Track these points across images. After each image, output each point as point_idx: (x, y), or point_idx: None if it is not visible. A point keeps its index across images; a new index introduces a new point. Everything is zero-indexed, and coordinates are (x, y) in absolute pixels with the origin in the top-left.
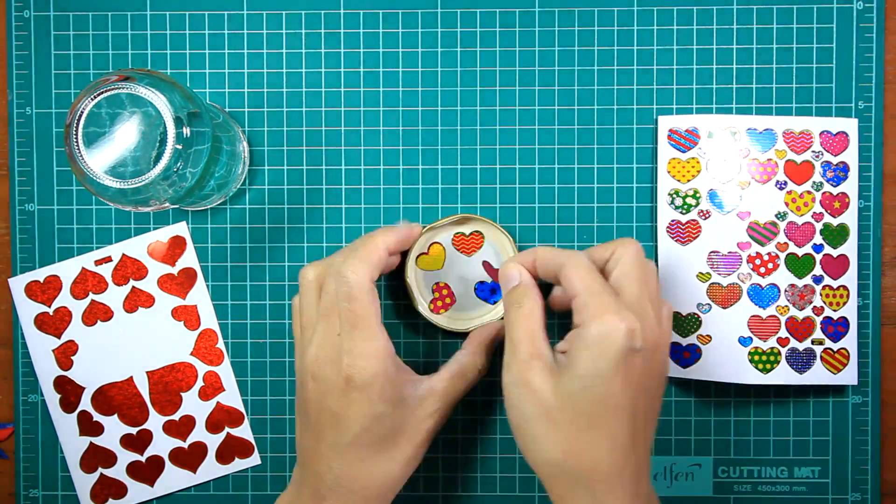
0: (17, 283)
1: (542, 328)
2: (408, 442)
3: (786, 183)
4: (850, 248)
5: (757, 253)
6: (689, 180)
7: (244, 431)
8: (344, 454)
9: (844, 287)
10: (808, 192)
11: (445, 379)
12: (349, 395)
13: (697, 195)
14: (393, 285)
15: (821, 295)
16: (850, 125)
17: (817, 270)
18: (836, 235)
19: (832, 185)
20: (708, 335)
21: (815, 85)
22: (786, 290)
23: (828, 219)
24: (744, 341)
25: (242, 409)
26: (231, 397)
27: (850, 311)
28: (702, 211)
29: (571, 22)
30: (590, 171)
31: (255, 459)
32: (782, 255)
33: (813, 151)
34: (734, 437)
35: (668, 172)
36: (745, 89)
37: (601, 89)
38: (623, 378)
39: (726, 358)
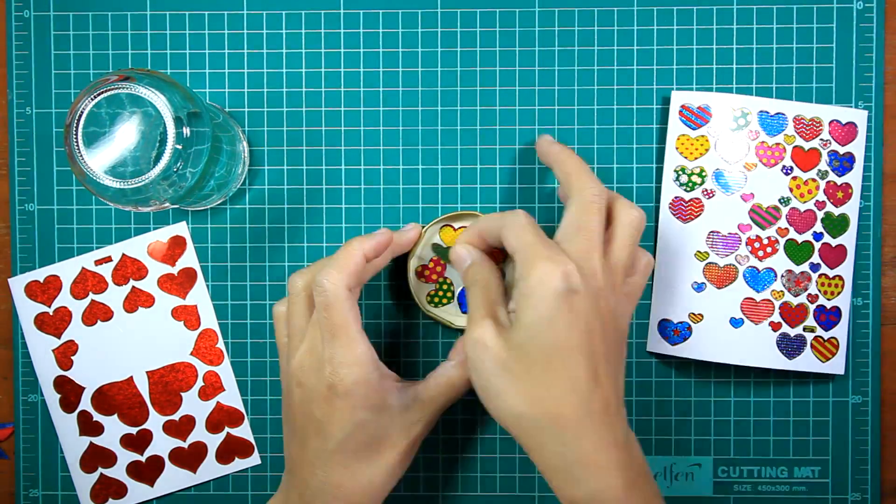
0: (17, 283)
1: (500, 295)
2: (392, 449)
3: (792, 168)
4: (849, 238)
5: (757, 236)
6: (696, 158)
7: (244, 431)
8: (328, 461)
9: (840, 277)
10: (813, 180)
11: (431, 388)
12: (332, 402)
13: (703, 174)
14: (393, 285)
15: (817, 283)
16: (860, 116)
17: (815, 258)
18: (836, 225)
19: (837, 174)
20: (700, 314)
21: (815, 85)
22: (782, 275)
23: (830, 208)
24: (735, 322)
25: (242, 409)
26: (231, 397)
27: (843, 301)
28: (706, 190)
29: (571, 22)
30: None
31: (255, 459)
32: (782, 241)
33: (821, 139)
34: (734, 437)
35: (677, 149)
36: (745, 89)
37: (601, 89)
38: (567, 320)
39: (716, 337)
